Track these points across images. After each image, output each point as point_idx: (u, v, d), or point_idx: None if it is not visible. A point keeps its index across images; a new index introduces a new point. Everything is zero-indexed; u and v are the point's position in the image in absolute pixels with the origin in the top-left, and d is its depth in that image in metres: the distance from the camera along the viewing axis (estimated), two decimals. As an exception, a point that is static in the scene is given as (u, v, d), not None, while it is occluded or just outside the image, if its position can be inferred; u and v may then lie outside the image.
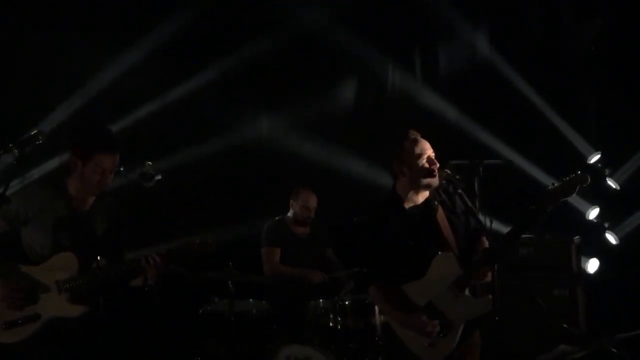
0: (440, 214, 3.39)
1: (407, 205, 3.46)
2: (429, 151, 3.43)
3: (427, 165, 3.40)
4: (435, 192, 3.43)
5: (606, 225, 5.80)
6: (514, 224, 3.27)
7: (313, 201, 5.38)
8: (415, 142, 3.45)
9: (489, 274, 3.27)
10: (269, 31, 6.28)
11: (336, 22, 6.28)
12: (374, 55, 6.49)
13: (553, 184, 3.16)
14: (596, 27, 6.11)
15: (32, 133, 3.32)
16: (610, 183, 5.80)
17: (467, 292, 3.31)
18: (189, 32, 6.04)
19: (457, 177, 3.44)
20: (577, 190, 3.14)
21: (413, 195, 3.45)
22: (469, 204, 3.45)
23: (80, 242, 3.47)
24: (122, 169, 4.27)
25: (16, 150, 3.27)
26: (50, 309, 3.39)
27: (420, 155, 3.41)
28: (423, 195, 3.47)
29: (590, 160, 5.85)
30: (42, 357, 3.40)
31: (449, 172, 3.42)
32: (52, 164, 5.42)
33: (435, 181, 3.41)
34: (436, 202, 3.40)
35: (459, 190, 3.42)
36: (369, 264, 3.51)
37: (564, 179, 3.14)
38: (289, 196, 5.47)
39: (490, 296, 3.29)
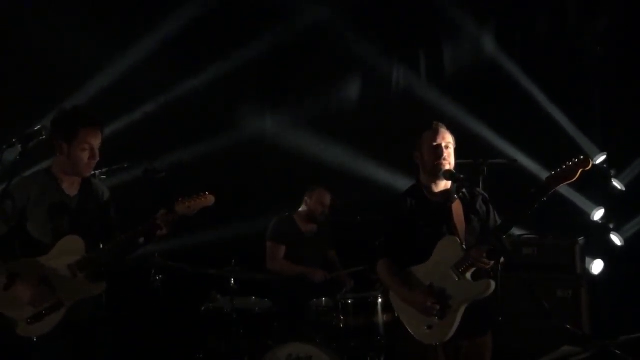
0: (457, 206, 3.47)
1: (427, 193, 3.56)
2: (440, 139, 3.51)
3: (435, 155, 3.47)
4: (457, 188, 3.49)
5: (611, 226, 5.77)
6: (515, 206, 3.30)
7: (327, 199, 5.46)
8: (432, 132, 3.55)
9: (490, 262, 3.29)
10: (273, 29, 6.27)
11: (341, 20, 6.27)
12: (379, 54, 6.48)
13: (556, 169, 3.20)
14: (602, 26, 6.07)
15: (36, 128, 3.34)
16: (616, 184, 5.77)
17: (469, 275, 3.34)
18: (193, 29, 6.03)
19: (462, 175, 3.47)
20: (578, 174, 3.15)
21: (433, 185, 3.56)
22: (493, 213, 3.53)
23: (78, 225, 3.51)
24: (126, 165, 4.29)
25: (19, 146, 3.29)
26: (71, 293, 3.43)
27: (432, 146, 3.50)
28: (442, 186, 3.56)
29: (596, 161, 5.82)
30: (54, 350, 3.43)
31: (452, 171, 3.46)
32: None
33: (439, 172, 3.46)
34: (455, 196, 3.47)
35: (487, 198, 3.55)
36: (382, 238, 3.58)
37: (567, 163, 3.17)
38: (304, 194, 5.51)
39: (492, 281, 3.33)
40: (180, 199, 3.50)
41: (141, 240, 3.54)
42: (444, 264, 3.37)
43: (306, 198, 5.49)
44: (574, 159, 3.16)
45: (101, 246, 3.52)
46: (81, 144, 3.47)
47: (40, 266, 3.43)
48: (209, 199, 3.54)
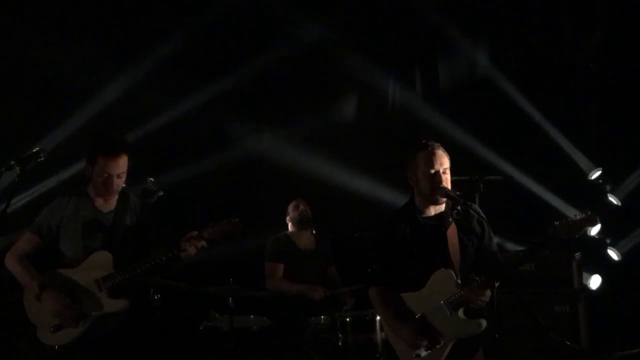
0: (452, 231, 3.40)
1: (421, 216, 3.49)
2: (437, 165, 3.42)
3: (432, 182, 3.41)
4: (452, 209, 3.42)
5: (608, 241, 5.77)
6: (515, 257, 3.31)
7: (300, 202, 5.50)
8: (427, 154, 3.45)
9: (485, 296, 3.27)
10: (270, 47, 6.32)
11: (337, 37, 6.31)
12: (374, 71, 6.50)
13: (561, 221, 3.17)
14: (596, 41, 6.12)
15: (34, 150, 3.38)
16: (612, 199, 5.78)
17: (461, 312, 3.32)
18: (191, 49, 6.08)
19: (458, 193, 3.46)
20: (583, 231, 3.14)
21: (427, 207, 3.48)
22: (489, 233, 3.49)
23: (109, 242, 3.60)
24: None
25: (18, 168, 3.32)
26: (96, 307, 3.52)
27: (427, 169, 3.42)
28: (437, 209, 3.49)
29: (591, 176, 5.84)
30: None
31: (447, 189, 3.44)
32: (55, 179, 5.50)
33: (435, 196, 3.42)
34: (450, 219, 3.40)
35: (482, 217, 3.48)
36: (375, 264, 3.53)
37: (573, 217, 3.16)
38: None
39: (483, 320, 3.31)
40: (210, 224, 3.56)
41: (165, 260, 3.57)
42: (437, 297, 3.33)
43: (286, 217, 5.55)
44: (581, 215, 3.13)
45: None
46: (99, 171, 3.57)
47: (68, 279, 3.56)
48: (239, 227, 3.57)
